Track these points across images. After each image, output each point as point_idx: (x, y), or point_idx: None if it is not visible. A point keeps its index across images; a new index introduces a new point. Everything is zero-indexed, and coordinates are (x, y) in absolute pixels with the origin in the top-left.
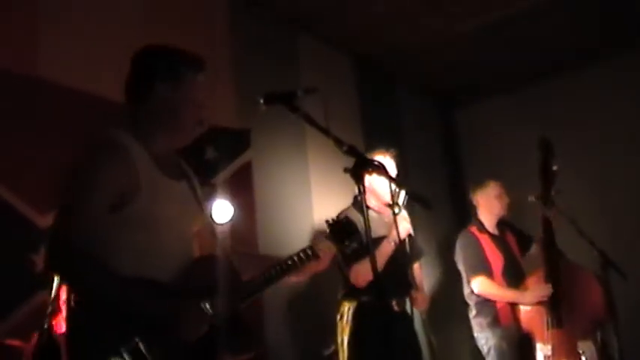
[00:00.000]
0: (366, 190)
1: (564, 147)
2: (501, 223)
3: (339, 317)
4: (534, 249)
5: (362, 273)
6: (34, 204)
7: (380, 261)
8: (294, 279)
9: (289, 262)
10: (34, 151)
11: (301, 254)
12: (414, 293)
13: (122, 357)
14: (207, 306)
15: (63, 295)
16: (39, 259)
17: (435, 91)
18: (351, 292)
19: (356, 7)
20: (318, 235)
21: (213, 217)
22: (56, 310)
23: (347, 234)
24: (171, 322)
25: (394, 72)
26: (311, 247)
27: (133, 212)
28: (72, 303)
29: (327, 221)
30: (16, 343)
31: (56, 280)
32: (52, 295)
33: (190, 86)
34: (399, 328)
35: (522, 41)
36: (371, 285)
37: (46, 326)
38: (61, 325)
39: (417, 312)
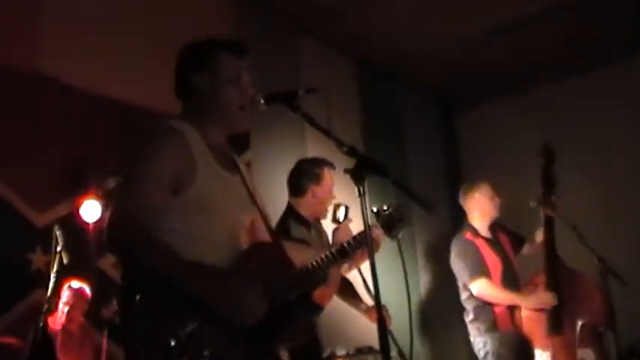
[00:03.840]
0: (313, 199)
1: (565, 151)
2: (493, 225)
3: None
4: (526, 249)
5: (326, 296)
6: (31, 202)
7: (336, 282)
8: (346, 267)
9: (340, 249)
10: (32, 149)
11: (351, 241)
12: (367, 309)
13: (181, 340)
14: (264, 290)
15: (64, 297)
16: (36, 258)
17: (436, 94)
18: None
19: (357, 10)
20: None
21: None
22: (52, 309)
23: (396, 222)
24: (229, 306)
25: (395, 75)
26: (360, 234)
27: (190, 197)
28: (125, 286)
29: (373, 210)
30: (11, 340)
31: (52, 278)
32: (49, 293)
33: (225, 70)
34: None
35: (523, 45)
36: None
37: (41, 324)
38: (56, 322)
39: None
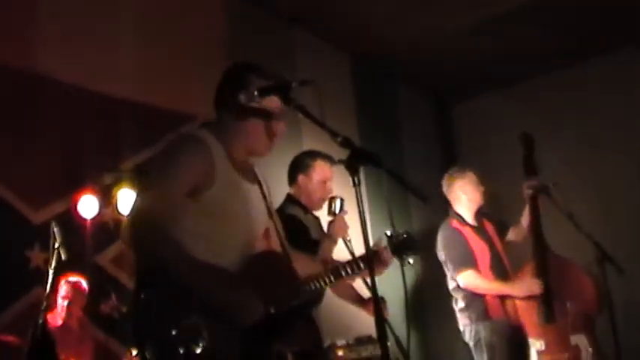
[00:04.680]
0: (300, 189)
1: (560, 142)
2: (478, 213)
3: None
4: (512, 234)
5: None
6: (28, 200)
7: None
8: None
9: (347, 270)
10: (28, 147)
11: (359, 263)
12: (364, 302)
13: (181, 331)
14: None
15: (62, 292)
16: (34, 255)
17: (430, 87)
18: None
19: (352, 4)
20: (378, 244)
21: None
22: (51, 306)
23: (408, 249)
24: (231, 306)
25: (390, 68)
26: (362, 256)
27: (206, 201)
28: (137, 280)
29: (386, 234)
30: (10, 338)
31: (51, 275)
32: (47, 290)
33: (270, 104)
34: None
35: (517, 38)
36: None
37: (40, 321)
38: (56, 319)
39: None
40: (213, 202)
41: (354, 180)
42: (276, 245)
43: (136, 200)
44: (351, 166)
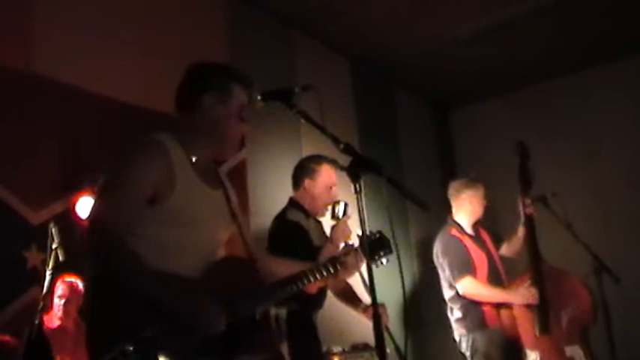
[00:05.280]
0: (306, 193)
1: (559, 150)
2: (475, 223)
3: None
4: (505, 249)
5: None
6: (26, 201)
7: None
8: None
9: (315, 274)
10: (27, 147)
11: (329, 266)
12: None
13: (137, 343)
14: (227, 304)
15: (59, 291)
16: (31, 256)
17: (430, 93)
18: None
19: (352, 10)
20: (348, 247)
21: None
22: (47, 307)
23: (380, 248)
24: (190, 316)
25: (390, 74)
26: (338, 259)
27: (165, 208)
28: (90, 288)
29: (358, 235)
30: (6, 338)
31: (48, 276)
32: (44, 291)
33: (236, 103)
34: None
35: (516, 45)
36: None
37: (37, 322)
38: (52, 321)
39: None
40: (173, 209)
41: (355, 187)
42: (239, 251)
43: (92, 206)
44: (353, 173)
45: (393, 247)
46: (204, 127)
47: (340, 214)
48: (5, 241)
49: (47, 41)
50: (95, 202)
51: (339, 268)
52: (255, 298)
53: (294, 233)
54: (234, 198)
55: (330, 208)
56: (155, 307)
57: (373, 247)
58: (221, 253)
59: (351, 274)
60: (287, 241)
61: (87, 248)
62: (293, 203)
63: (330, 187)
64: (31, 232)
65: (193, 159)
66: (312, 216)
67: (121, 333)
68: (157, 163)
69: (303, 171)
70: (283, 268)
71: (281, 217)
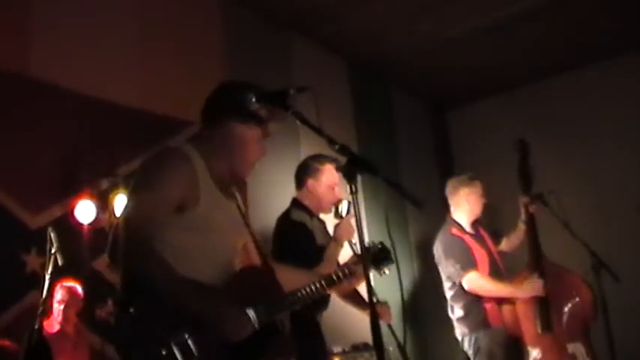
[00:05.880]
0: (309, 193)
1: (554, 148)
2: (475, 222)
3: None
4: (505, 244)
5: None
6: (25, 205)
7: (332, 265)
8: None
9: (329, 280)
10: (25, 151)
11: (340, 273)
12: (383, 308)
13: (171, 350)
14: (252, 312)
15: (58, 296)
16: (31, 260)
17: (427, 93)
18: None
19: (349, 10)
20: (357, 256)
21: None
22: (47, 311)
23: (382, 260)
24: (217, 323)
25: (387, 74)
26: (349, 267)
27: (193, 217)
28: (123, 295)
29: (367, 246)
30: (6, 343)
31: (47, 280)
32: (43, 296)
33: (261, 128)
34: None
35: (511, 45)
36: None
37: (36, 326)
38: (52, 325)
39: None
40: (198, 218)
41: (351, 187)
42: (254, 258)
43: (124, 215)
44: (349, 174)
45: (393, 256)
46: (226, 144)
47: (344, 213)
48: (4, 245)
49: (45, 45)
50: (127, 208)
51: (349, 276)
52: (276, 306)
53: (299, 233)
54: (244, 208)
55: (333, 206)
56: (184, 315)
57: (376, 258)
58: (238, 262)
59: (361, 282)
60: (292, 241)
61: (121, 262)
62: (296, 203)
63: (334, 187)
64: (30, 236)
65: (214, 172)
66: (316, 215)
67: (155, 339)
68: (186, 176)
69: (306, 171)
70: (289, 275)
71: (285, 217)
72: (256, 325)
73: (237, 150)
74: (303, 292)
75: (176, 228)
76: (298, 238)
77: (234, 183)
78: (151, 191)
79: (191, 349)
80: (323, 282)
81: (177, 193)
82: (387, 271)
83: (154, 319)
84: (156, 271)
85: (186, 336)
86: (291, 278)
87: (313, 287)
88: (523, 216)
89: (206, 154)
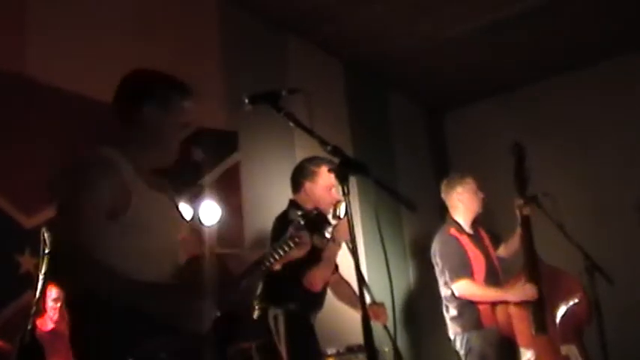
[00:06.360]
0: (307, 196)
1: (552, 150)
2: (474, 221)
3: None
4: (502, 250)
5: (320, 276)
6: (20, 205)
7: (330, 265)
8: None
9: (278, 253)
10: (21, 152)
11: (286, 245)
12: (372, 307)
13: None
14: (207, 301)
15: (52, 294)
16: (24, 260)
17: (424, 94)
18: (275, 299)
19: (345, 11)
20: (296, 224)
21: (201, 219)
22: (40, 311)
23: (321, 224)
24: (177, 317)
25: (383, 75)
26: (292, 238)
27: (127, 220)
28: (71, 308)
29: (299, 216)
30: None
31: (41, 280)
32: (37, 295)
33: (176, 112)
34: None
35: (509, 46)
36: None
37: (29, 326)
38: (46, 324)
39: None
40: (132, 220)
41: (343, 189)
42: (195, 248)
43: (53, 237)
44: (341, 175)
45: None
46: (145, 138)
47: (341, 214)
48: None
49: (41, 45)
50: (57, 230)
51: (293, 245)
52: (229, 289)
53: None
54: (177, 199)
55: (331, 208)
56: (142, 317)
57: (315, 224)
58: (181, 252)
59: (304, 250)
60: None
61: (58, 277)
62: (294, 204)
63: (331, 188)
64: (25, 236)
65: (140, 168)
66: None
67: (118, 351)
68: (110, 180)
69: (302, 174)
70: (239, 259)
71: (283, 217)
72: (216, 313)
73: (155, 139)
74: (255, 268)
75: (114, 233)
76: None
77: (164, 175)
78: (80, 206)
79: (157, 353)
80: (271, 255)
81: (106, 200)
82: (328, 235)
83: (111, 329)
84: (99, 280)
85: (150, 340)
86: (238, 262)
87: (263, 266)
88: (519, 219)
89: (128, 151)
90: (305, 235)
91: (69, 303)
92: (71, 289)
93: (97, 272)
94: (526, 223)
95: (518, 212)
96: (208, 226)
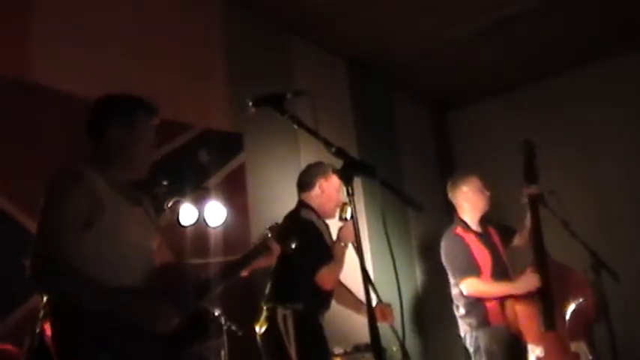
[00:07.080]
0: (320, 193)
1: (557, 148)
2: (483, 219)
3: (267, 324)
4: (517, 239)
5: (331, 276)
6: (25, 209)
7: (340, 264)
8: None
9: (245, 259)
10: (26, 156)
11: (254, 251)
12: (378, 308)
13: None
14: (174, 303)
15: None
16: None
17: (428, 94)
18: (283, 299)
19: (349, 11)
20: (264, 235)
21: (207, 221)
22: (48, 315)
23: (287, 235)
24: (146, 319)
25: (387, 75)
26: (263, 244)
27: (101, 228)
28: (53, 313)
29: (268, 227)
30: (7, 347)
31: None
32: (44, 299)
33: (141, 129)
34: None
35: (515, 45)
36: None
37: (38, 330)
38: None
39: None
40: (106, 229)
41: (347, 190)
42: (168, 256)
43: (32, 250)
44: (345, 176)
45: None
46: (113, 154)
47: (348, 216)
48: (5, 250)
49: (44, 49)
50: (35, 243)
51: (263, 253)
52: (196, 292)
53: (308, 231)
54: (151, 211)
55: (338, 209)
56: (113, 320)
57: (281, 234)
58: (156, 260)
59: (273, 257)
60: (302, 238)
61: (38, 287)
62: (304, 204)
63: (339, 189)
64: (31, 240)
65: (112, 182)
66: (321, 217)
67: (88, 353)
68: (84, 192)
69: (317, 171)
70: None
71: (294, 216)
72: (182, 313)
73: (122, 154)
74: (222, 277)
75: (90, 242)
76: (308, 235)
77: (138, 188)
78: (55, 218)
79: (124, 353)
80: (240, 264)
81: (81, 211)
82: (293, 245)
83: (83, 333)
84: (78, 287)
85: (117, 342)
86: (208, 269)
87: (228, 271)
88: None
89: (100, 166)
90: (275, 245)
91: (52, 310)
92: (52, 297)
93: (72, 279)
94: (533, 204)
95: (526, 197)
96: (214, 228)
